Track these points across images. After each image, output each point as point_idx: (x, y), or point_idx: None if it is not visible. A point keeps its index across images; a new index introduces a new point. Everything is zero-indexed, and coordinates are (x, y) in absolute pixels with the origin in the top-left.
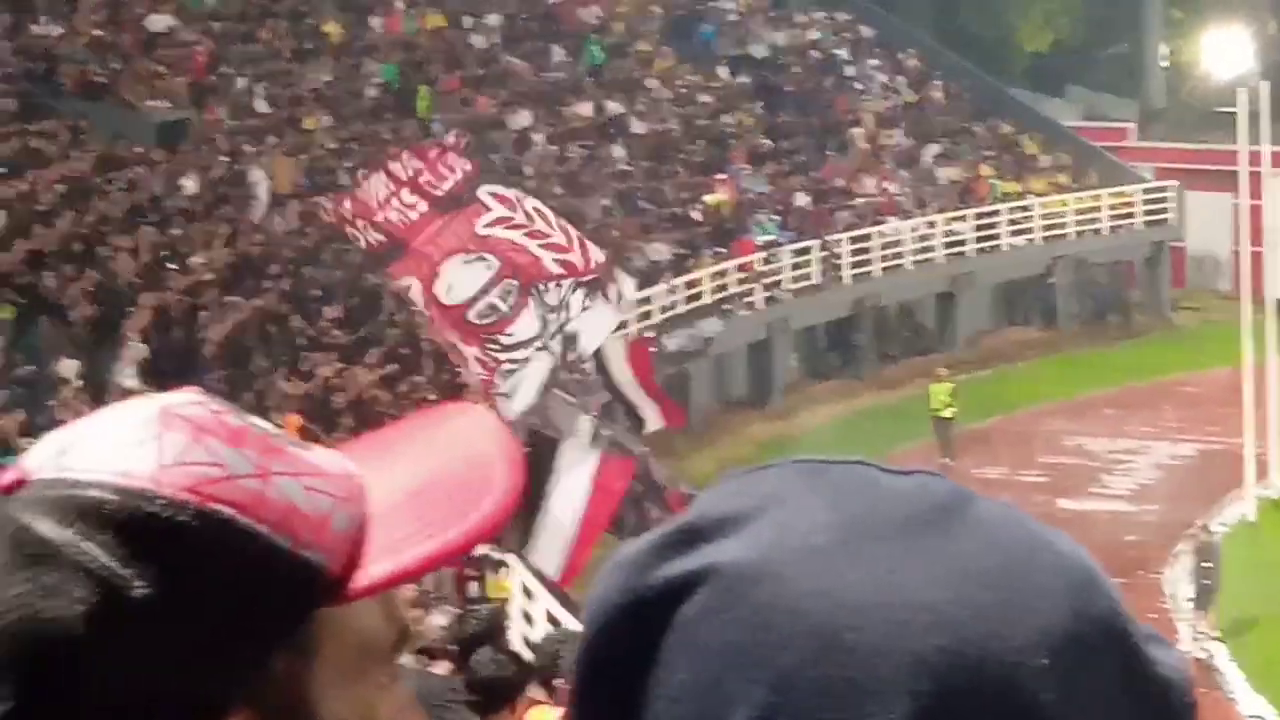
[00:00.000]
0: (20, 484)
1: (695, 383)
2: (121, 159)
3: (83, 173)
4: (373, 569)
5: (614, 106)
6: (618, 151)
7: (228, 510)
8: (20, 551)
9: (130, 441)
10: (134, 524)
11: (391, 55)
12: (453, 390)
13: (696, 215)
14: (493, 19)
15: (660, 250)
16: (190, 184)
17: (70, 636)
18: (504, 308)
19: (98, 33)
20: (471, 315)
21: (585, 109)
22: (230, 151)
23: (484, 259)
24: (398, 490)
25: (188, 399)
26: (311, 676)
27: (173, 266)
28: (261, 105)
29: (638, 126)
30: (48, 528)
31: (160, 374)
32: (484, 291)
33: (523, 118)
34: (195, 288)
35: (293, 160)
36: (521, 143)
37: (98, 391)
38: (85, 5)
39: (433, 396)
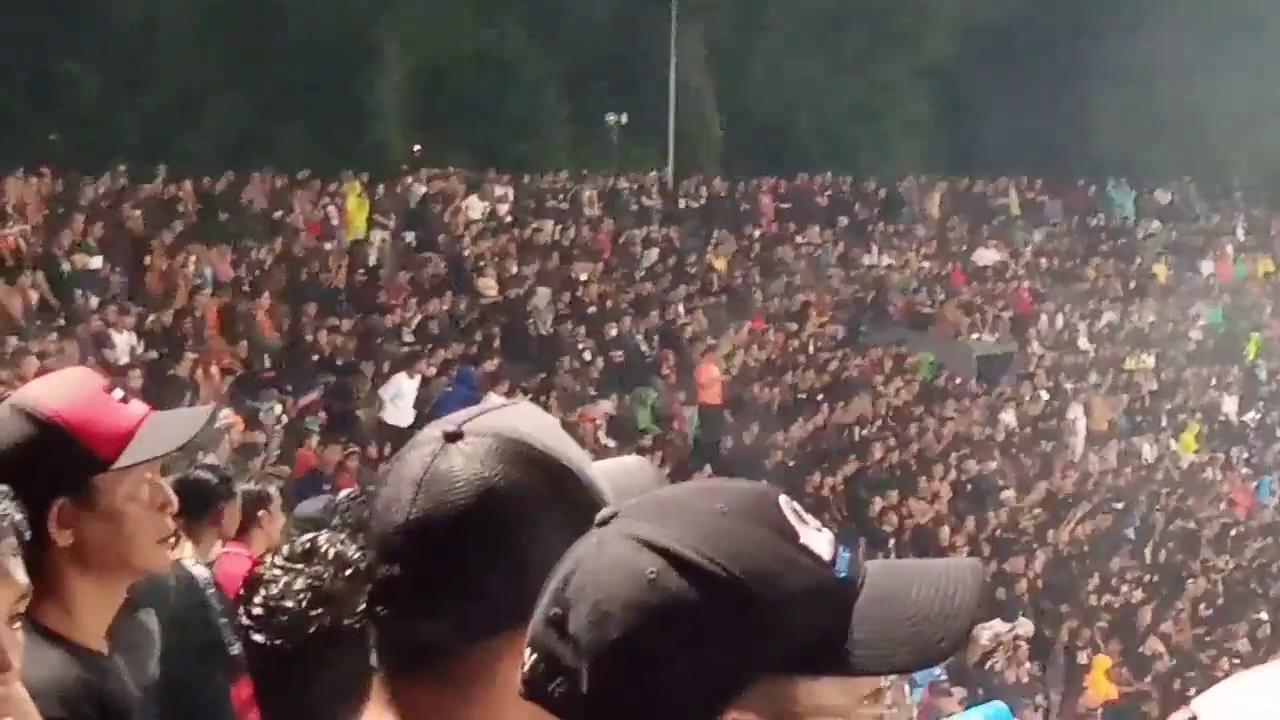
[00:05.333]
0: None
1: None
2: (943, 390)
3: (905, 401)
4: None
5: None
6: None
7: None
8: None
9: None
10: None
11: (1219, 299)
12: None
13: None
14: None
15: None
16: (1008, 418)
17: None
18: None
19: (926, 264)
20: None
21: None
22: (1050, 387)
23: None
24: None
25: None
26: None
27: (994, 500)
28: (1084, 343)
29: None
30: None
31: None
32: None
33: None
34: (1012, 522)
35: (1113, 399)
36: None
37: None
38: (916, 237)
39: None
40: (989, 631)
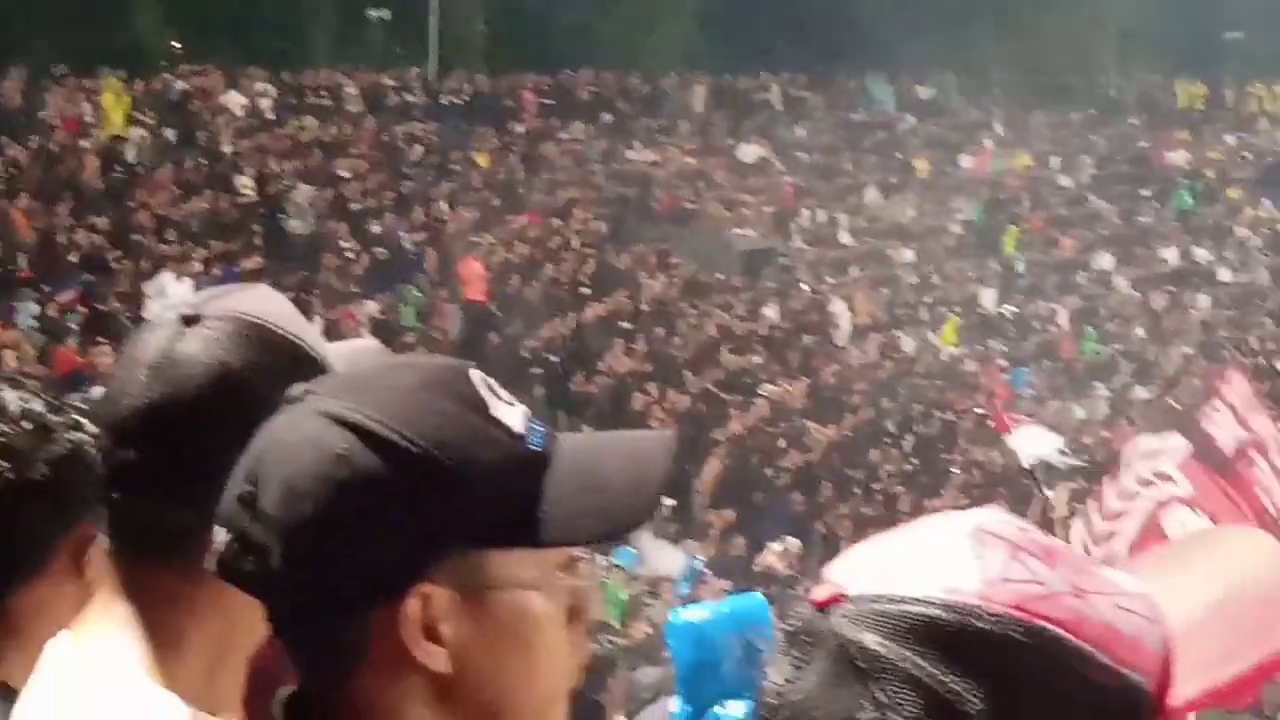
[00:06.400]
0: (837, 599)
1: None
2: (706, 285)
3: (669, 297)
4: (1183, 688)
5: (1201, 253)
6: (1203, 299)
7: (1054, 628)
8: (848, 665)
9: (951, 558)
10: (966, 639)
11: (978, 193)
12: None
13: None
14: (1082, 160)
15: None
16: (771, 312)
17: None
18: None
19: (690, 160)
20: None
21: (1171, 254)
22: (812, 282)
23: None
24: (1192, 609)
25: (997, 517)
26: None
27: (762, 394)
28: (845, 237)
29: (1224, 274)
30: (873, 641)
31: (731, 498)
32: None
33: (1106, 260)
34: (773, 415)
35: (874, 293)
36: (1103, 286)
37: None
38: (680, 134)
39: None
40: (773, 555)
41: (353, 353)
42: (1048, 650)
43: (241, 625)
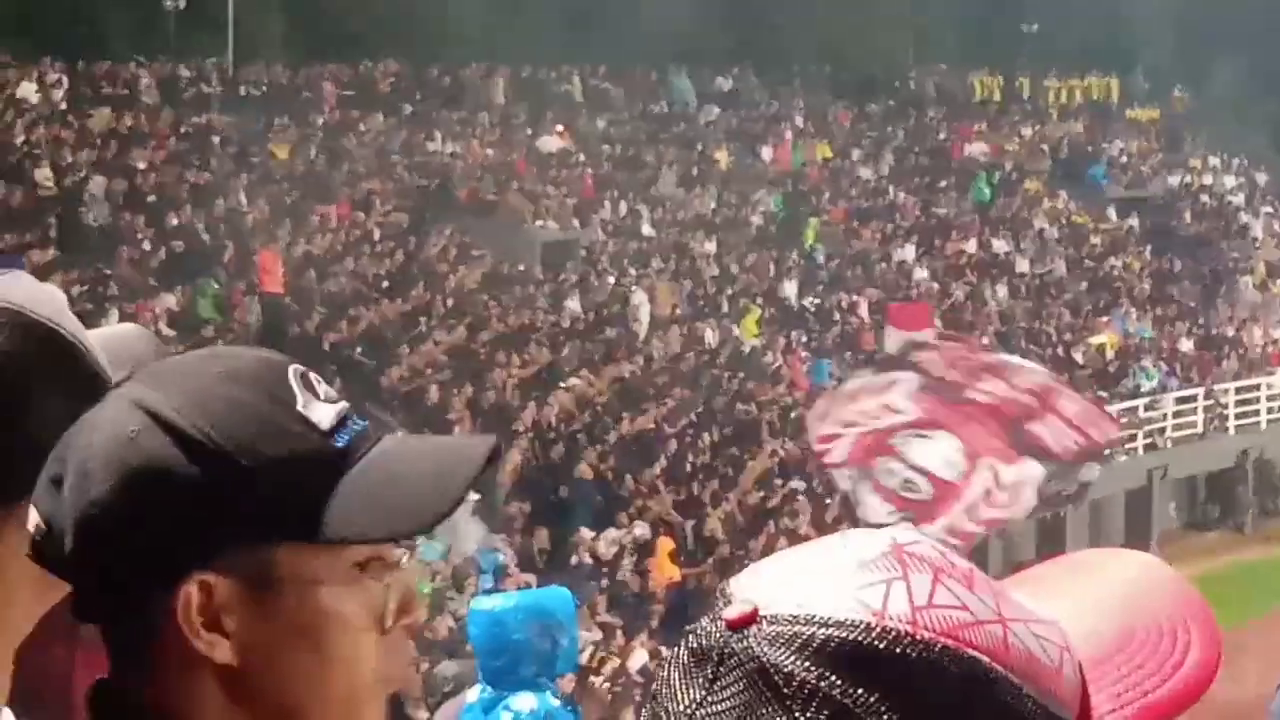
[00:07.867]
0: (751, 619)
1: (1071, 528)
2: (507, 277)
3: (470, 289)
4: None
5: (1000, 244)
6: (1001, 290)
7: (983, 656)
8: (768, 688)
9: (873, 580)
10: (894, 666)
11: (779, 184)
12: (829, 526)
13: (1078, 358)
14: (882, 152)
15: None
16: (573, 305)
17: None
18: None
19: (490, 152)
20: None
21: (970, 246)
22: (614, 273)
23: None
24: (1098, 637)
25: (913, 536)
26: None
27: (563, 386)
28: (646, 229)
29: (1022, 265)
30: (796, 665)
31: (533, 491)
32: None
33: (906, 252)
34: (575, 408)
35: (675, 285)
36: (903, 276)
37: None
38: (480, 125)
39: (807, 530)
40: (611, 545)
41: (116, 338)
42: (976, 680)
43: (6, 617)
